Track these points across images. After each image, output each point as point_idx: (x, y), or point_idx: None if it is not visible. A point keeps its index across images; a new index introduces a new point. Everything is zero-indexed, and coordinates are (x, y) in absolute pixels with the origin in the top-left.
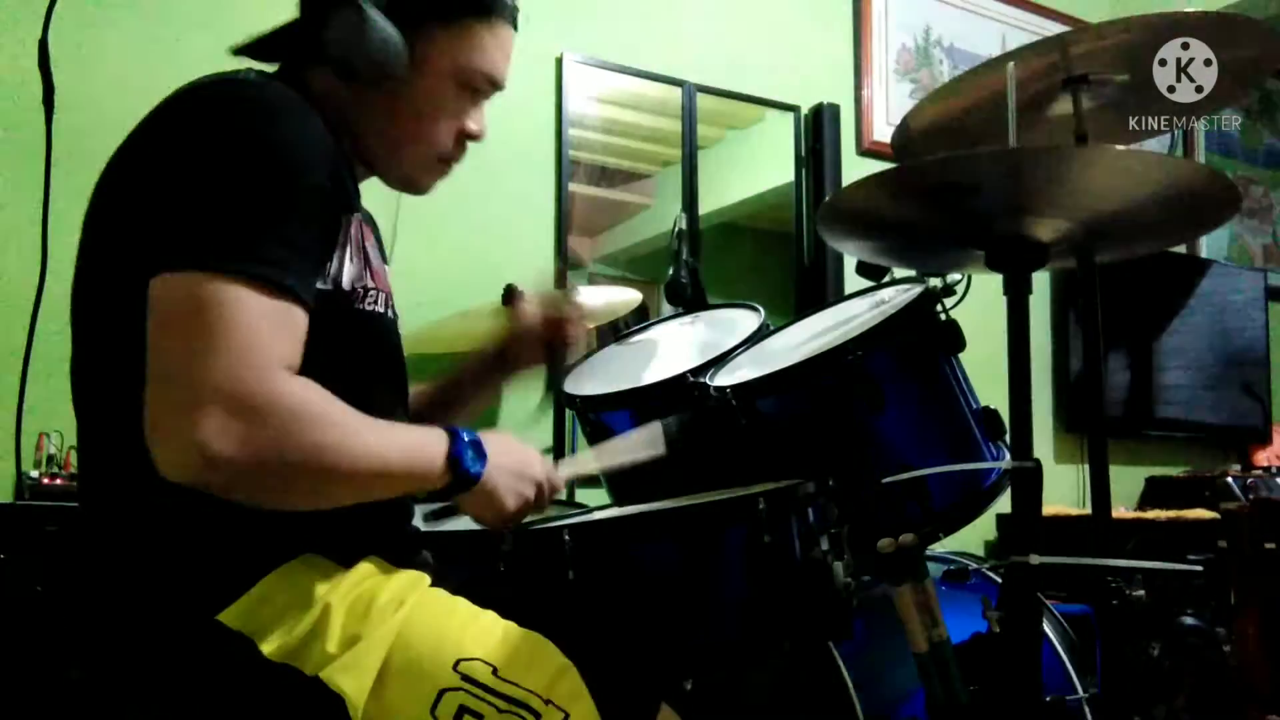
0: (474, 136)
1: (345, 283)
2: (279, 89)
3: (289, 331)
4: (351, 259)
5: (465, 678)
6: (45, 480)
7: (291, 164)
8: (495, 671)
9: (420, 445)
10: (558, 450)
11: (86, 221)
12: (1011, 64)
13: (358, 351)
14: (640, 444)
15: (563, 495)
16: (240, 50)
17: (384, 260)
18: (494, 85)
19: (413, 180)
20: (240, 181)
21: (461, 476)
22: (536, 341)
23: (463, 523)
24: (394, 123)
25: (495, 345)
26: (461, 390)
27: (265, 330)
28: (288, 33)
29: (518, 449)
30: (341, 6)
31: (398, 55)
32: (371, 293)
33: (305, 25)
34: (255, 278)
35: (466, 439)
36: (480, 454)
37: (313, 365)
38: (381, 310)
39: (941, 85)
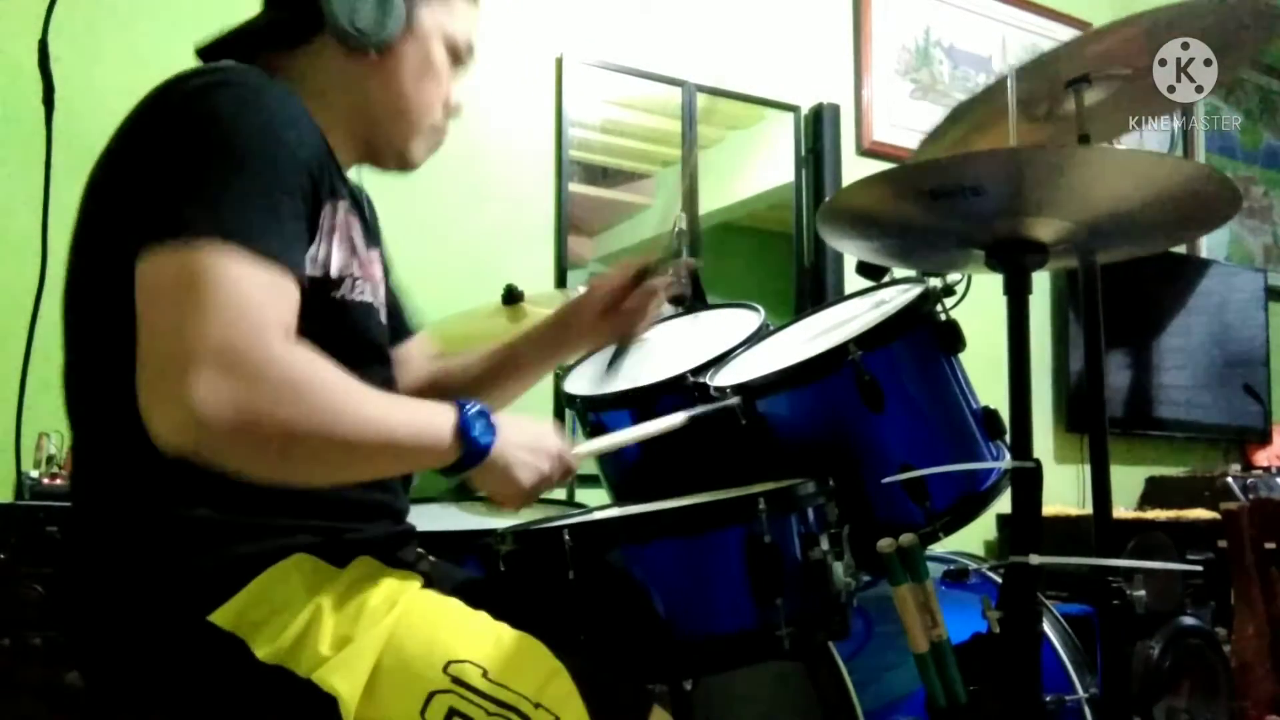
0: (455, 109)
1: (334, 270)
2: (261, 75)
3: (282, 298)
4: (339, 246)
5: (456, 680)
6: (45, 480)
7: (274, 142)
8: (486, 674)
9: (427, 416)
10: None
11: (78, 220)
12: (1011, 68)
13: (344, 341)
14: (657, 424)
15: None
16: (204, 51)
17: (377, 243)
18: (469, 55)
19: (408, 152)
20: (222, 158)
21: (471, 448)
22: (605, 315)
23: (463, 521)
24: (393, 89)
25: (556, 318)
26: (516, 361)
27: (257, 294)
28: (252, 29)
29: (530, 423)
30: None
31: (398, 16)
32: (360, 282)
33: (294, 7)
34: (243, 245)
35: (475, 410)
36: (490, 426)
37: None
38: (369, 300)
39: (948, 115)
